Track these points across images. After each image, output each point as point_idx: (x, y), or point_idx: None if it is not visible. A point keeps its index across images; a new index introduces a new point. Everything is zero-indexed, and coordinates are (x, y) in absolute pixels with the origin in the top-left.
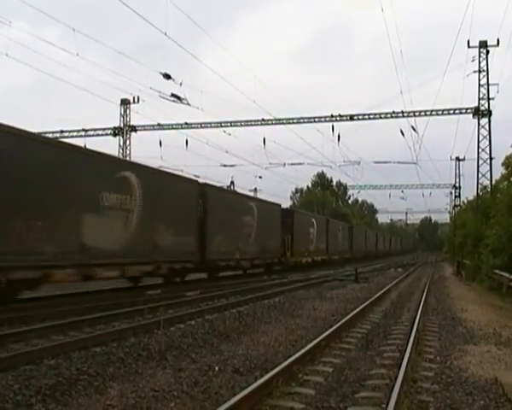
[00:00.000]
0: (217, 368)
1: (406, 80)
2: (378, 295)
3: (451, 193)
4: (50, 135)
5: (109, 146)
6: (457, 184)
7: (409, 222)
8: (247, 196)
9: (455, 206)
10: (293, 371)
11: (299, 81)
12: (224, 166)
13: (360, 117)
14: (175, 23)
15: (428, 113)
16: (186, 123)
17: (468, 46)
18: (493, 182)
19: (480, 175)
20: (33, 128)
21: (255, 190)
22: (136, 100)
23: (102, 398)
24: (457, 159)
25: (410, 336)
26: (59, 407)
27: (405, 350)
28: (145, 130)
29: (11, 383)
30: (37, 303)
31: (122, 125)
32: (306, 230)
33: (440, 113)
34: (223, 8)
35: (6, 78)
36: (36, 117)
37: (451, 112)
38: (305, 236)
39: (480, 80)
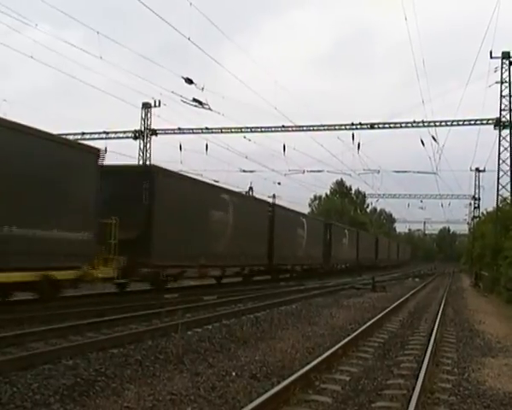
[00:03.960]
0: (234, 373)
1: (427, 89)
2: (395, 304)
3: (471, 204)
4: (72, 137)
5: (130, 149)
6: (477, 196)
7: (427, 232)
8: (219, 187)
9: (474, 217)
10: (310, 379)
11: (319, 87)
12: (244, 171)
13: (381, 126)
14: (197, 27)
15: (449, 123)
16: (206, 128)
17: (491, 57)
18: None
19: (499, 187)
20: (55, 129)
21: (274, 196)
22: (157, 104)
23: (120, 400)
24: (477, 170)
25: (427, 347)
26: (77, 407)
27: (423, 361)
28: (166, 134)
29: (30, 381)
30: (57, 303)
31: (143, 129)
32: (292, 231)
33: (461, 123)
34: (245, 12)
35: (30, 79)
36: (58, 119)
37: (472, 122)
38: (291, 239)
39: (501, 91)
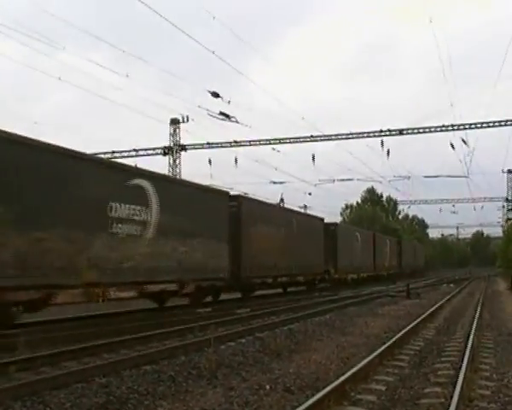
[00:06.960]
0: (268, 387)
1: (455, 91)
2: (430, 311)
3: (504, 206)
4: (103, 156)
5: (159, 165)
6: (510, 197)
7: (460, 237)
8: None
9: (508, 219)
10: (345, 390)
11: (345, 95)
12: (274, 183)
13: (409, 131)
14: (222, 40)
15: (479, 125)
16: (235, 141)
17: None
18: None
19: None
20: (86, 149)
21: (305, 206)
22: (185, 119)
23: None
24: (510, 171)
25: (464, 353)
26: None
27: (460, 368)
28: (194, 148)
29: (63, 401)
30: (90, 321)
31: (172, 145)
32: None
33: (491, 125)
34: (268, 23)
35: (59, 101)
36: (89, 139)
37: (503, 123)
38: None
39: None
